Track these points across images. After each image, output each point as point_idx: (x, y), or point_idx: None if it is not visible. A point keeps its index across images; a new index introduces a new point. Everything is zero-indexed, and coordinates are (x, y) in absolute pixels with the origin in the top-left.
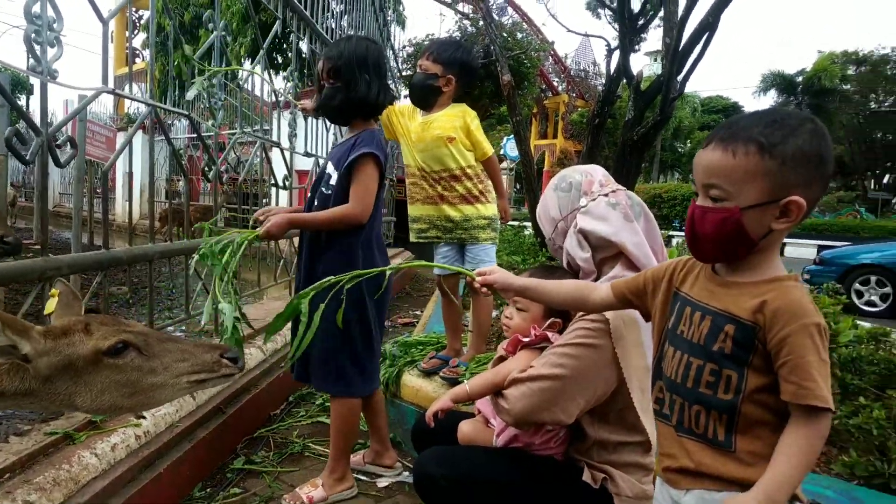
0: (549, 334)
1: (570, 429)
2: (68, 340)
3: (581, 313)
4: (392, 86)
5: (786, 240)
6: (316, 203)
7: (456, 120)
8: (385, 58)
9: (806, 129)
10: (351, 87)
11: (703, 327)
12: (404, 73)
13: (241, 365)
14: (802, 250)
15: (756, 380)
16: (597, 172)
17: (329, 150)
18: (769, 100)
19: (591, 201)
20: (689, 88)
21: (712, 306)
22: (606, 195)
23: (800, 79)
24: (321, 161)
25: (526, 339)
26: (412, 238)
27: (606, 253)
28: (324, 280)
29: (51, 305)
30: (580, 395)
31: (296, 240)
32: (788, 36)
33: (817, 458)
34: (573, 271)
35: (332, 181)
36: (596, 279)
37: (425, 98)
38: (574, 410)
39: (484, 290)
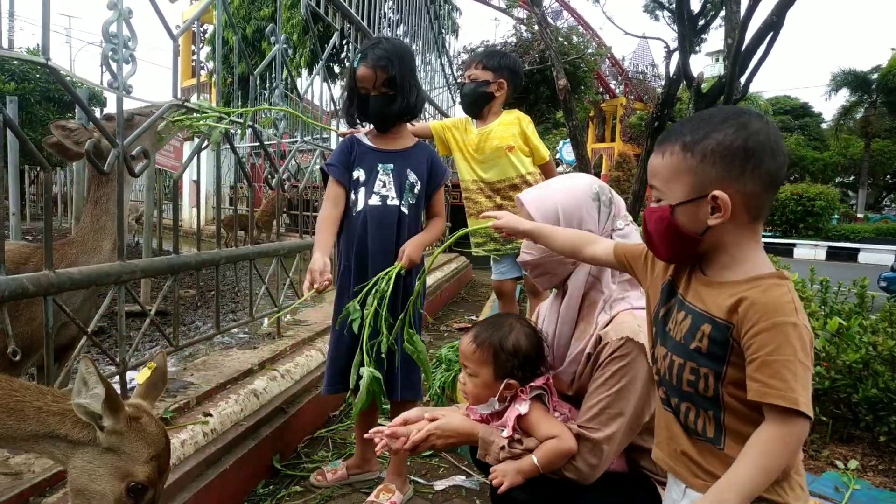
0: (539, 381)
1: None
2: (131, 447)
3: (606, 353)
4: (448, 94)
5: (860, 245)
6: (406, 212)
7: (513, 127)
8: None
9: (731, 124)
10: (406, 95)
11: (684, 326)
12: (459, 81)
13: None
14: (879, 256)
15: (735, 377)
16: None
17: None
18: (840, 99)
19: (627, 226)
20: (753, 88)
21: (694, 306)
22: (628, 225)
23: (874, 76)
24: (382, 166)
25: (523, 412)
26: (473, 251)
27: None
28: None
29: (143, 376)
30: (641, 422)
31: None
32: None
33: (783, 463)
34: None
35: (417, 190)
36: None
37: (477, 105)
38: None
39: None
